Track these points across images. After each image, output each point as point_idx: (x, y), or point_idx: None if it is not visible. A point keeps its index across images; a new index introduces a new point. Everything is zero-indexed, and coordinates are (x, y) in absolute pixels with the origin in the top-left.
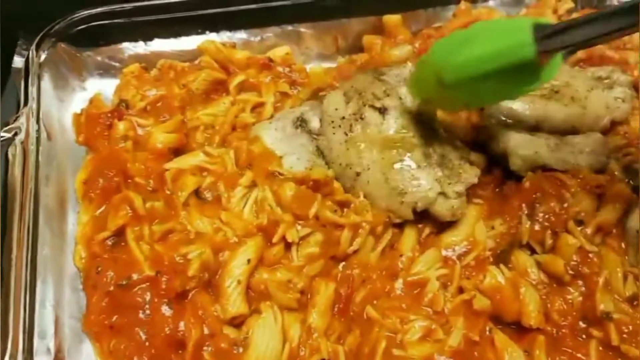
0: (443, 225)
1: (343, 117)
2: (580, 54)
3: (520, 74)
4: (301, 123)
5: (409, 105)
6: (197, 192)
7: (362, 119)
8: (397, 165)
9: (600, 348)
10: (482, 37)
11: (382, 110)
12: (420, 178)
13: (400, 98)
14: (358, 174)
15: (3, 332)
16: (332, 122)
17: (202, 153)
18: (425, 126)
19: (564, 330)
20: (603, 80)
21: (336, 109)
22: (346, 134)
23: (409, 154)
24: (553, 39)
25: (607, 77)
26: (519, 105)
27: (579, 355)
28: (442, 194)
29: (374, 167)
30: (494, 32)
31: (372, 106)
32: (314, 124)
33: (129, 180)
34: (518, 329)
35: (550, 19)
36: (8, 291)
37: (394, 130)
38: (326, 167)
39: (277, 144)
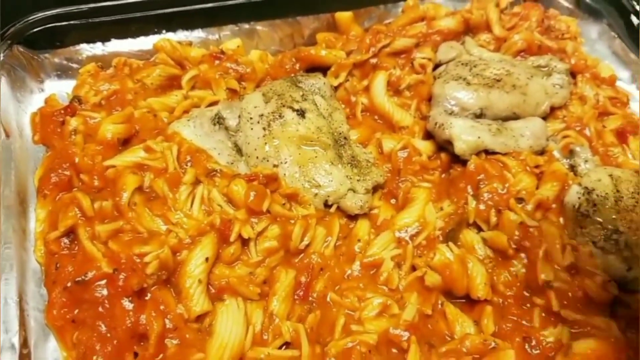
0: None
1: (262, 115)
2: (520, 44)
3: None
4: (219, 120)
5: (323, 112)
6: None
7: (280, 117)
8: (312, 161)
9: (543, 314)
10: None
11: (300, 112)
12: (332, 174)
13: (316, 104)
14: (275, 167)
15: None
16: (251, 118)
17: (143, 149)
18: (337, 131)
19: (509, 300)
20: (542, 69)
21: (255, 107)
22: (264, 129)
23: (323, 152)
24: None
25: (546, 65)
26: (463, 95)
27: (523, 322)
28: (352, 190)
29: (290, 161)
30: None
31: (291, 107)
32: (231, 121)
33: (81, 175)
34: (468, 302)
35: (494, 13)
36: None
37: (311, 131)
38: (244, 161)
39: (197, 139)
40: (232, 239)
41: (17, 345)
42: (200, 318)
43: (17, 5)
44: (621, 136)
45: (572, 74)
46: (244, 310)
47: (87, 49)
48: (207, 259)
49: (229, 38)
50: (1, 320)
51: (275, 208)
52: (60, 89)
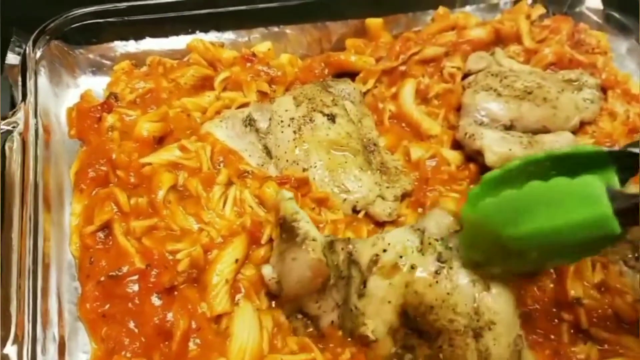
0: None
1: (292, 118)
2: (551, 57)
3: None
4: (250, 122)
5: (353, 118)
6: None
7: (311, 121)
8: (341, 166)
9: (572, 331)
10: (544, 207)
11: (330, 117)
12: (362, 180)
13: (345, 110)
14: (305, 170)
15: (4, 320)
16: (282, 121)
17: (178, 148)
18: (367, 137)
19: (537, 314)
20: (572, 83)
21: (286, 110)
22: (295, 133)
23: (352, 158)
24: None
25: (577, 80)
26: (494, 106)
27: (551, 336)
28: (380, 196)
29: (320, 165)
30: (558, 201)
31: (322, 112)
32: (262, 123)
33: (117, 171)
34: None
35: (524, 24)
36: (9, 280)
37: (341, 136)
38: (274, 164)
39: (229, 140)
40: (263, 241)
41: (57, 337)
42: (217, 320)
43: (52, 2)
44: None
45: (603, 89)
46: (257, 314)
47: (121, 47)
48: (236, 260)
49: (258, 41)
50: (43, 312)
51: (305, 212)
52: (94, 85)
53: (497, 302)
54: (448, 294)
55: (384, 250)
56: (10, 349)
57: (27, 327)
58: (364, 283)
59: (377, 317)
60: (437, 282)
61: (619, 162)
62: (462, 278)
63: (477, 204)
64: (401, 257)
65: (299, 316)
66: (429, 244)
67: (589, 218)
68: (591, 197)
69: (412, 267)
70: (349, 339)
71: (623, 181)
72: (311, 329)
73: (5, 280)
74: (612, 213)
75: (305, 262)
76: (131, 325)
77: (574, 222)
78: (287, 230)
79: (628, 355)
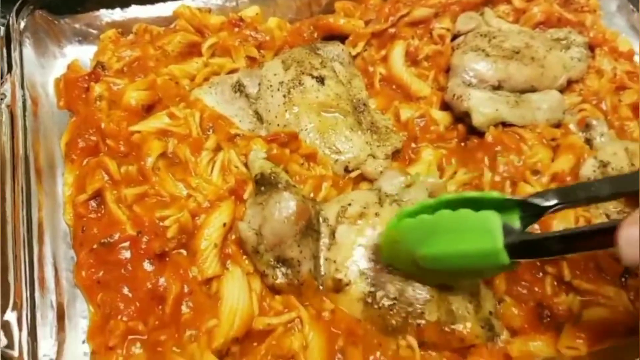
0: None
1: (282, 82)
2: (539, 16)
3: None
4: (239, 88)
5: (342, 79)
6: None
7: (300, 84)
8: (332, 128)
9: (555, 283)
10: (449, 233)
11: (319, 79)
12: (352, 140)
13: (334, 71)
14: None
15: (3, 288)
16: (271, 86)
17: (167, 115)
18: (356, 98)
19: (521, 267)
20: (561, 41)
21: (275, 74)
22: (285, 97)
23: (343, 119)
24: (525, 251)
25: (565, 38)
26: (482, 66)
27: (536, 288)
28: (372, 155)
29: (311, 127)
30: (461, 230)
31: (310, 74)
32: (251, 89)
33: (107, 140)
34: None
35: None
36: (6, 250)
37: (331, 98)
38: (265, 128)
39: (219, 106)
40: (245, 196)
41: (54, 304)
42: (208, 283)
43: None
44: (637, 110)
45: (590, 47)
46: (246, 278)
47: (107, 15)
48: (224, 224)
49: (246, 5)
50: (39, 279)
51: (293, 167)
52: (81, 54)
53: None
54: None
55: (349, 204)
56: (10, 315)
57: (25, 294)
58: (333, 234)
59: (349, 261)
60: None
61: (522, 208)
62: None
63: (399, 224)
64: (365, 207)
65: (279, 265)
66: (387, 197)
67: (482, 249)
68: (488, 230)
69: (376, 214)
70: (322, 290)
71: (524, 225)
72: (291, 278)
73: (1, 250)
74: (502, 247)
75: (291, 202)
76: (125, 290)
77: (471, 250)
78: (266, 183)
79: (608, 305)
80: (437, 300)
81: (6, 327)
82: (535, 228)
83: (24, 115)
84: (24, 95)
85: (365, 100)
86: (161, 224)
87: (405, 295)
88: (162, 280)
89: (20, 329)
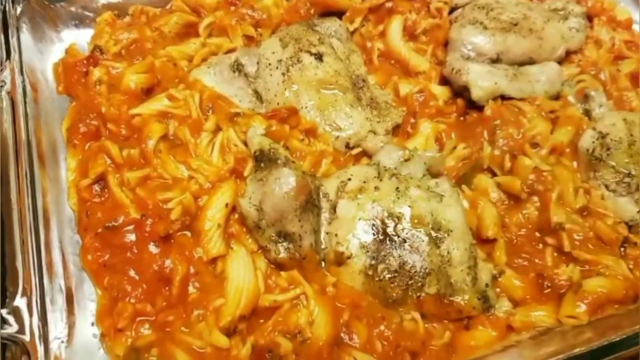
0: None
1: (280, 60)
2: None
3: None
4: (238, 67)
5: (340, 55)
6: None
7: (299, 62)
8: (332, 105)
9: (555, 254)
10: None
11: (318, 56)
12: (353, 116)
13: (332, 47)
14: None
15: (12, 275)
16: (270, 64)
17: (166, 97)
18: (355, 74)
19: (521, 240)
20: (558, 12)
21: (273, 53)
22: (283, 75)
23: (342, 95)
24: None
25: (563, 9)
26: (480, 39)
27: (536, 260)
28: (372, 131)
29: (311, 105)
30: None
31: (309, 52)
32: (250, 68)
33: (108, 125)
34: (480, 243)
35: None
36: (12, 237)
37: (329, 74)
38: (264, 107)
39: (218, 87)
40: (245, 173)
41: (63, 288)
42: (213, 263)
43: None
44: (635, 80)
45: (589, 17)
46: (250, 256)
47: None
48: (226, 205)
49: None
50: (47, 265)
51: (293, 143)
52: (79, 38)
53: (450, 212)
54: (409, 206)
55: (349, 179)
56: (20, 301)
57: (34, 280)
58: (334, 209)
59: (350, 234)
60: (398, 198)
61: None
62: (418, 194)
63: None
64: (364, 182)
65: (280, 240)
66: (385, 171)
67: None
68: None
69: (376, 188)
70: (324, 264)
71: None
72: (293, 252)
73: (8, 237)
74: None
75: (291, 178)
76: (132, 273)
77: None
78: (265, 159)
79: (608, 274)
80: (436, 273)
81: (17, 313)
82: None
83: (25, 102)
84: (23, 82)
85: (365, 76)
86: (164, 206)
87: (406, 268)
88: (167, 262)
89: (30, 315)
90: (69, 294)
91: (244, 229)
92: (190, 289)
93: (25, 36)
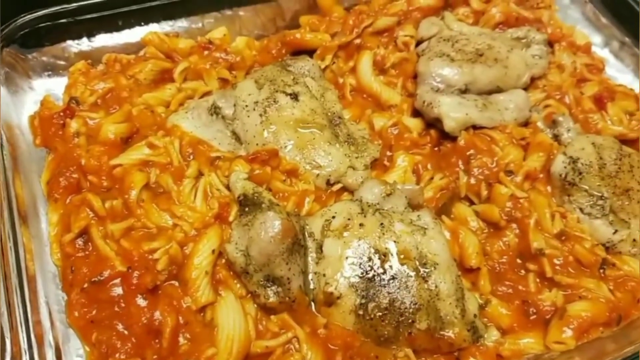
0: None
1: (256, 102)
2: (498, 16)
3: None
4: (215, 110)
5: (315, 93)
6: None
7: (275, 102)
8: (310, 143)
9: (537, 280)
10: None
11: (293, 96)
12: (331, 154)
13: (307, 86)
14: None
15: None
16: (247, 106)
17: (146, 146)
18: (331, 111)
19: (504, 267)
20: (521, 40)
21: (249, 94)
22: (261, 116)
23: (320, 133)
24: None
25: (525, 37)
26: (448, 71)
27: (520, 286)
28: (351, 167)
29: (290, 145)
30: None
31: (284, 92)
32: (227, 110)
33: (88, 177)
34: (463, 272)
35: None
36: None
37: (306, 113)
38: (244, 149)
39: (197, 131)
40: (231, 218)
41: (52, 344)
42: (202, 311)
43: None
44: (599, 102)
45: (550, 43)
46: (239, 302)
47: (74, 45)
48: (213, 251)
49: (212, 25)
50: (35, 320)
51: (276, 185)
52: (52, 87)
53: (434, 245)
54: (395, 241)
55: (333, 217)
56: None
57: (23, 345)
58: (320, 248)
59: (338, 274)
60: (383, 233)
61: None
62: (402, 229)
63: None
64: (349, 219)
65: (269, 284)
66: (369, 207)
67: None
68: None
69: (361, 225)
70: (314, 305)
71: None
72: (282, 295)
73: None
74: None
75: (276, 222)
76: (120, 327)
77: None
78: (249, 204)
79: (590, 296)
80: (426, 308)
81: None
82: None
83: (2, 157)
84: (0, 138)
85: (340, 113)
86: (150, 256)
87: (396, 305)
88: (156, 314)
89: None
90: (57, 349)
91: (232, 274)
92: (181, 339)
93: (3, 90)
